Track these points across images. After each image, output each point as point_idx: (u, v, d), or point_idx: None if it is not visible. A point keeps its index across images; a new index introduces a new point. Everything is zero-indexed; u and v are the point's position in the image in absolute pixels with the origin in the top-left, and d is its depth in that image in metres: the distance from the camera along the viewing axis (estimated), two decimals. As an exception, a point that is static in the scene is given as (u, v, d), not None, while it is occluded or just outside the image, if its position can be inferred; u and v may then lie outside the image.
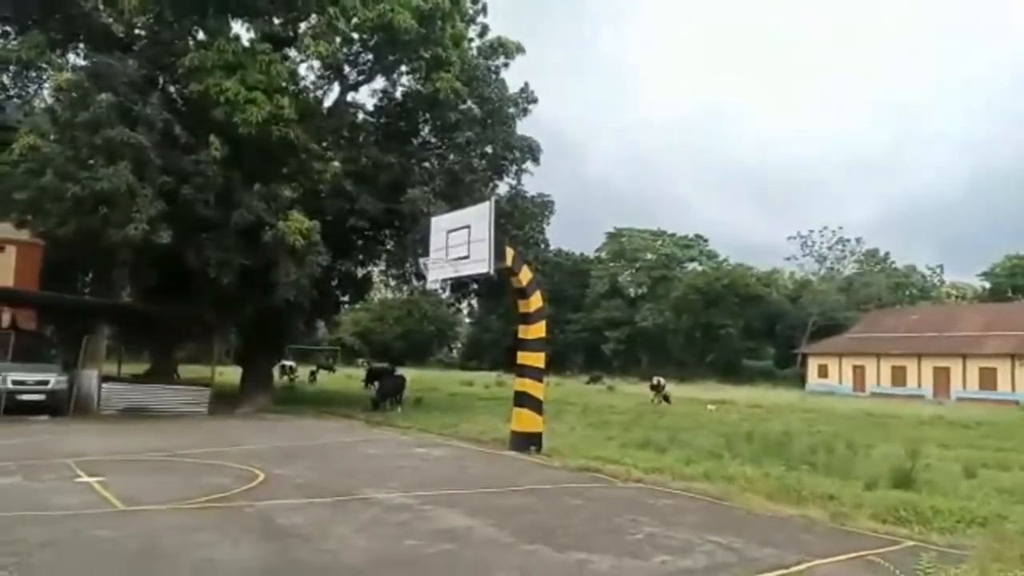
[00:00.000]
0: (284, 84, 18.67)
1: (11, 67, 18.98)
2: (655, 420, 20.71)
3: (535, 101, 25.27)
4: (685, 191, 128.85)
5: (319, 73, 23.05)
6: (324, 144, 21.76)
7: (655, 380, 30.43)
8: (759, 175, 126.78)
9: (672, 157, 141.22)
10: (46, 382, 16.97)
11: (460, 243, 13.32)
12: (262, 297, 18.76)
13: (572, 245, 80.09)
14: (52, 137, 16.61)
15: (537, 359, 13.88)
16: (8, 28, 19.56)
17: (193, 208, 17.48)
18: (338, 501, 8.64)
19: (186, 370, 28.84)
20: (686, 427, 18.03)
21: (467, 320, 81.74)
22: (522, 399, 13.64)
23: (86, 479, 9.27)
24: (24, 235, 20.29)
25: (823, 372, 57.93)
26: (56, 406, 16.97)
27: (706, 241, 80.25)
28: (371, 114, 24.42)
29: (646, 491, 9.97)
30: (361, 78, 23.23)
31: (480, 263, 12.87)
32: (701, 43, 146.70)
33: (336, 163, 20.07)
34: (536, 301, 13.97)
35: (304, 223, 17.96)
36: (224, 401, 20.66)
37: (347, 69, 22.69)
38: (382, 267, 27.81)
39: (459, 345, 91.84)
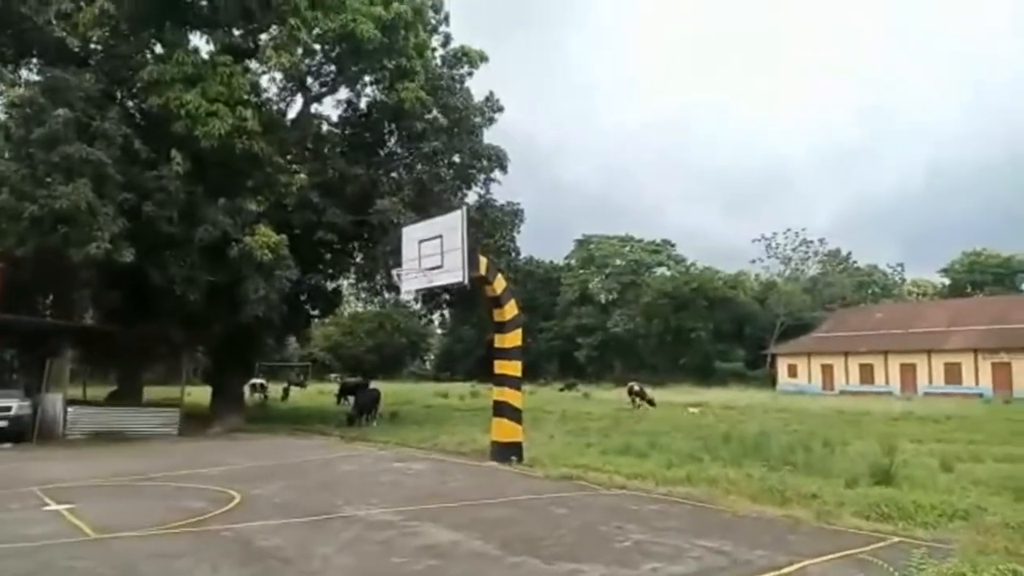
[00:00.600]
0: (246, 96, 18.33)
1: (-39, 84, 18.37)
2: (632, 425, 20.72)
3: (501, 110, 25.34)
4: (652, 197, 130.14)
5: (281, 85, 22.80)
6: (289, 157, 21.48)
7: (633, 386, 30.48)
8: (724, 180, 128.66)
9: (639, 163, 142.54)
10: (8, 408, 16.38)
11: (433, 253, 13.17)
12: (230, 314, 18.36)
13: (542, 253, 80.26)
14: (6, 155, 16.10)
15: (514, 368, 13.78)
16: (-43, 44, 18.96)
17: (156, 225, 17.03)
18: (318, 520, 8.41)
19: (154, 391, 28.11)
20: (664, 431, 18.03)
21: (439, 331, 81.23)
22: (501, 409, 13.51)
23: (55, 507, 8.91)
24: (-20, 257, 19.58)
25: (793, 372, 58.68)
26: (19, 432, 16.36)
27: (673, 246, 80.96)
28: (336, 125, 24.21)
29: (630, 497, 9.91)
30: (324, 89, 23.01)
31: (454, 272, 12.75)
32: (664, 51, 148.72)
33: (302, 175, 19.78)
34: (511, 310, 13.87)
35: (271, 237, 17.64)
36: (195, 422, 20.16)
37: (310, 80, 22.46)
38: (352, 280, 27.55)
39: (432, 357, 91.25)
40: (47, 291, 24.62)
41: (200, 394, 25.60)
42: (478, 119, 24.42)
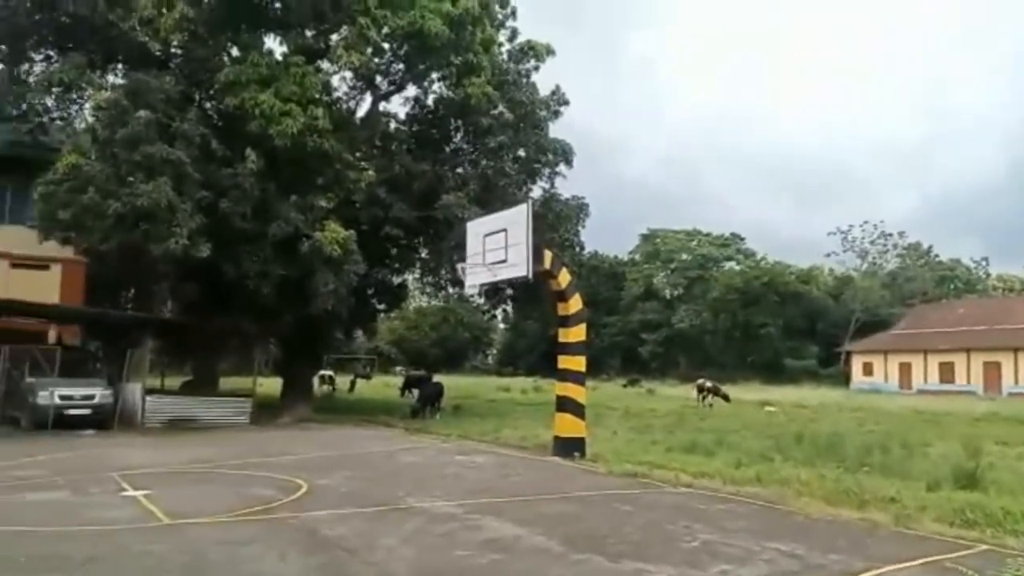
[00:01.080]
0: (318, 96, 18.75)
1: (54, 89, 19.39)
2: (698, 423, 20.29)
3: (566, 103, 25.21)
4: (721, 190, 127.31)
5: (351, 84, 23.19)
6: (358, 154, 21.86)
7: (704, 382, 29.89)
8: (796, 172, 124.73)
9: (706, 155, 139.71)
10: (92, 396, 17.23)
11: (497, 247, 13.16)
12: (300, 307, 18.86)
13: (606, 247, 79.56)
14: (93, 155, 16.88)
15: (578, 363, 13.66)
16: (50, 52, 20.02)
17: (231, 221, 17.64)
18: (383, 511, 8.50)
19: (228, 381, 29.12)
20: (732, 429, 17.58)
21: (501, 326, 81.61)
22: (564, 403, 13.41)
23: (132, 492, 9.29)
24: (68, 252, 20.66)
25: (868, 370, 56.50)
26: (102, 420, 17.19)
27: (743, 240, 79.03)
28: (403, 122, 24.50)
29: (697, 496, 9.67)
30: (392, 88, 23.34)
31: (518, 266, 12.70)
32: (734, 40, 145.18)
33: (370, 172, 20.13)
34: (576, 304, 13.75)
35: (340, 232, 18.03)
36: (265, 411, 20.81)
37: (379, 79, 22.76)
38: (417, 274, 27.92)
39: (494, 351, 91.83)
40: (129, 285, 25.82)
41: (271, 384, 26.40)
42: (543, 113, 24.33)
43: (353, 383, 39.16)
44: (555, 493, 9.88)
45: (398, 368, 65.23)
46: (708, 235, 78.87)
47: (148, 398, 18.75)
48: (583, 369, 13.81)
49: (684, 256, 77.34)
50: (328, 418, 21.69)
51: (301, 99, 17.98)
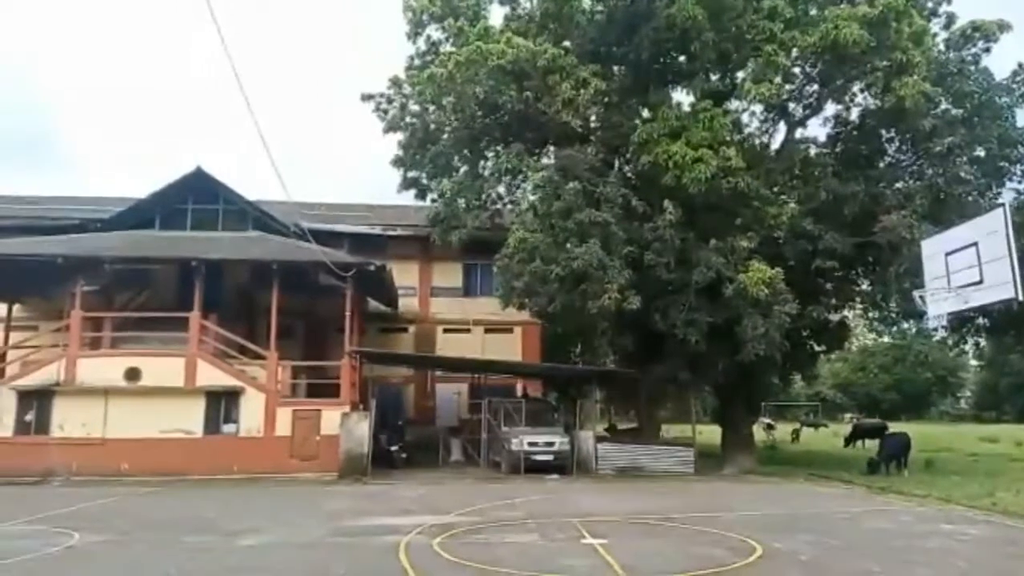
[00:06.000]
0: (728, 136, 18.43)
1: (503, 178, 22.75)
2: None
3: (1036, 83, 20.38)
4: None
5: (762, 117, 22.27)
6: (776, 188, 20.77)
7: None
8: None
9: None
10: (552, 443, 19.09)
11: (966, 266, 10.81)
12: (731, 353, 18.28)
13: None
14: (536, 228, 19.08)
15: (1112, 408, 10.23)
16: (497, 148, 23.61)
17: (655, 272, 18.11)
18: (854, 589, 7.25)
19: (668, 428, 29.76)
20: None
21: (974, 363, 68.36)
22: (1096, 463, 10.10)
23: (590, 540, 9.66)
24: (525, 316, 23.71)
25: None
26: (562, 465, 18.87)
27: None
28: (824, 145, 22.51)
29: None
30: (807, 112, 21.70)
31: (1000, 287, 10.19)
32: None
33: (791, 205, 18.87)
34: (1097, 329, 10.42)
35: (765, 272, 17.09)
36: (707, 461, 20.48)
37: (791, 106, 21.41)
38: (858, 310, 25.06)
39: (967, 393, 77.23)
40: (575, 341, 28.50)
41: (710, 432, 26.05)
42: (1005, 99, 20.06)
43: (796, 432, 36.56)
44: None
45: (847, 415, 59.21)
46: None
47: (600, 446, 19.97)
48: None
49: None
50: (772, 470, 20.35)
51: (712, 143, 17.82)
